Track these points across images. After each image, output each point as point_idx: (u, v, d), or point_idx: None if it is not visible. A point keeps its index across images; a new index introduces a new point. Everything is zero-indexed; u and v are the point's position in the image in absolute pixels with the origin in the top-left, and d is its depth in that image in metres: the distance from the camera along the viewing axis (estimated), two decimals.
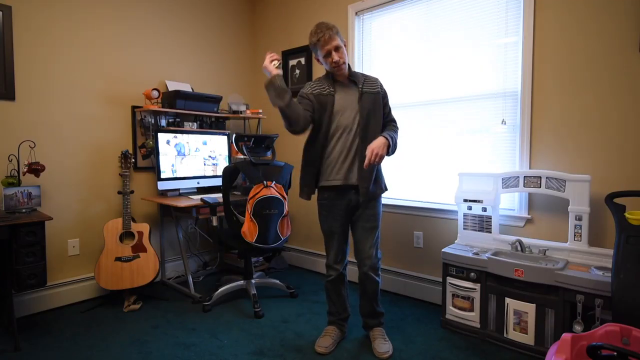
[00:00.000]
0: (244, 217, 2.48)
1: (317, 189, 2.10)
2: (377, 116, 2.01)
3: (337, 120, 1.98)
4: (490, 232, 2.34)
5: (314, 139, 2.04)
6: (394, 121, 2.13)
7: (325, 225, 2.10)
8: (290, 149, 3.61)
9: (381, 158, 1.83)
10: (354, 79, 2.03)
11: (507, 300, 2.09)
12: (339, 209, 2.04)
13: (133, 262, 2.66)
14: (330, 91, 2.00)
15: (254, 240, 2.44)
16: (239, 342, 2.19)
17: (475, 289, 2.21)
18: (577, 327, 1.89)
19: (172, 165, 2.96)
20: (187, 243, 3.37)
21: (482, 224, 2.37)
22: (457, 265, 2.27)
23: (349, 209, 2.05)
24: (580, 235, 2.05)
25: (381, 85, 2.07)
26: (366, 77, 2.06)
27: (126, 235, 2.72)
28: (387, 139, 1.87)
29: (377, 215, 2.07)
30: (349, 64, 2.04)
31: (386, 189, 2.11)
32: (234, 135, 2.68)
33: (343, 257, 2.12)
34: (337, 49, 1.93)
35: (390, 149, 1.92)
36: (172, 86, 3.16)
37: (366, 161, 1.81)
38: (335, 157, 2.00)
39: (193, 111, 3.08)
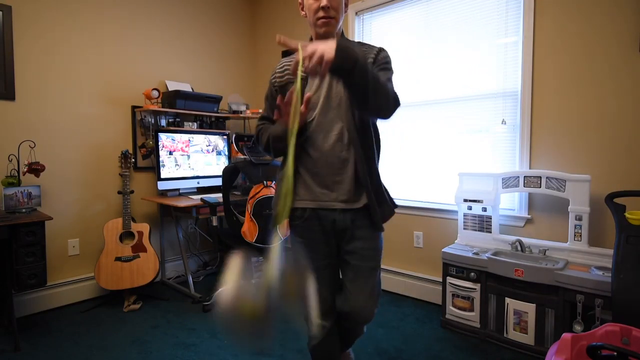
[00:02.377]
0: (244, 217, 2.48)
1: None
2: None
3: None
4: (490, 232, 2.34)
5: None
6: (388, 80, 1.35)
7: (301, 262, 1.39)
8: None
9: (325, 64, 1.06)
10: None
11: (507, 300, 2.09)
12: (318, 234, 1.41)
13: (133, 262, 2.66)
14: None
15: (254, 240, 2.44)
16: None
17: (475, 289, 2.21)
18: (577, 327, 1.89)
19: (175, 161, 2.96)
20: (187, 243, 3.37)
21: (482, 224, 2.37)
22: (457, 265, 2.27)
23: (334, 234, 1.40)
24: (580, 235, 2.05)
25: (378, 52, 1.37)
26: (363, 47, 1.39)
27: (126, 235, 2.72)
28: (350, 53, 1.09)
29: (376, 250, 1.41)
30: (342, 30, 1.41)
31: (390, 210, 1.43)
32: (234, 135, 2.68)
33: (332, 306, 1.44)
34: None
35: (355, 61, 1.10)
36: (172, 86, 3.16)
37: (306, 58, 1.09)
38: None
39: (193, 111, 3.08)
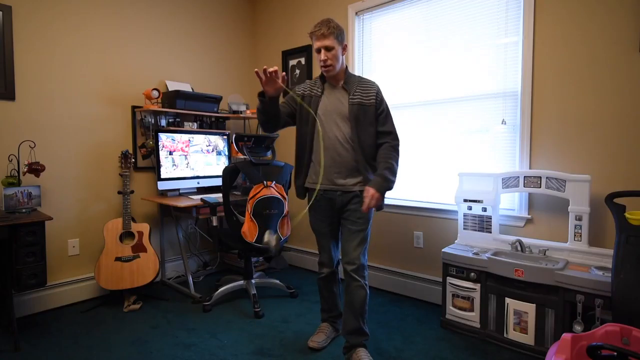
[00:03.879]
0: (244, 217, 2.48)
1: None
2: (367, 129, 1.89)
3: (319, 125, 1.92)
4: (490, 232, 2.34)
5: (298, 140, 2.02)
6: (391, 134, 1.93)
7: (314, 225, 2.08)
8: (291, 149, 3.61)
9: (378, 201, 1.77)
10: (345, 86, 1.93)
11: (507, 300, 2.09)
12: (324, 209, 2.00)
13: (133, 262, 2.66)
14: (317, 92, 1.96)
15: (254, 240, 2.44)
16: (239, 342, 2.19)
17: (475, 289, 2.21)
18: (577, 327, 1.89)
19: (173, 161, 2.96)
20: (187, 243, 3.37)
21: (482, 224, 2.37)
22: (457, 265, 2.27)
23: (335, 209, 1.99)
24: (580, 235, 2.05)
25: (377, 94, 1.93)
26: (361, 84, 1.94)
27: (126, 235, 2.72)
28: (384, 185, 1.81)
29: (364, 218, 1.95)
30: (346, 68, 1.97)
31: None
32: (234, 135, 2.68)
33: (334, 255, 2.12)
34: (328, 48, 1.84)
35: (389, 187, 1.84)
36: (172, 86, 3.16)
37: (364, 206, 1.76)
38: (318, 161, 1.95)
39: (193, 111, 3.08)
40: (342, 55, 1.92)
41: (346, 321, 1.97)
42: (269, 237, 2.14)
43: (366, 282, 1.94)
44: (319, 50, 1.87)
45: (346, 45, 1.93)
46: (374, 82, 1.97)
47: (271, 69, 1.67)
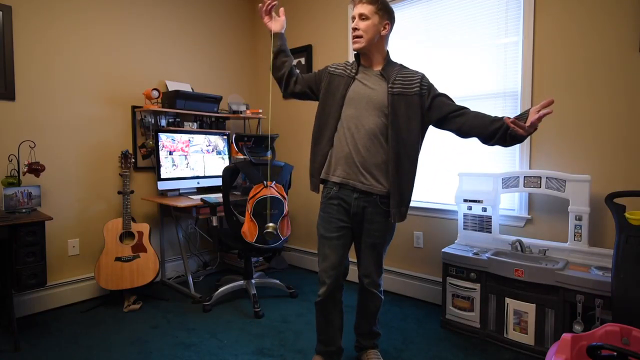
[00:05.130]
0: (244, 217, 2.48)
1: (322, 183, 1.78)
2: (408, 124, 1.62)
3: (346, 110, 1.67)
4: (490, 232, 2.34)
5: (317, 121, 1.75)
6: (463, 108, 1.65)
7: (320, 228, 1.76)
8: (291, 149, 3.61)
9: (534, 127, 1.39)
10: (383, 73, 1.66)
11: (507, 300, 2.09)
12: (337, 211, 1.71)
13: (133, 262, 2.66)
14: (350, 74, 1.71)
15: (254, 240, 2.44)
16: (239, 342, 2.19)
17: (475, 289, 2.21)
18: (577, 327, 1.89)
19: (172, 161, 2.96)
20: (187, 243, 3.37)
21: (482, 224, 2.37)
22: (457, 265, 2.27)
23: (349, 214, 1.70)
24: (580, 235, 2.05)
25: (422, 81, 1.65)
26: (402, 72, 1.67)
27: (126, 235, 2.72)
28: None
29: (386, 231, 1.73)
30: (387, 53, 1.71)
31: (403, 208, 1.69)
32: (234, 135, 2.68)
33: (338, 270, 1.72)
34: (362, 16, 1.61)
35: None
36: (172, 86, 3.16)
37: (535, 117, 1.36)
38: (340, 150, 1.67)
39: (193, 111, 3.08)
40: (382, 33, 1.65)
41: (358, 323, 1.92)
42: (268, 227, 1.93)
43: (382, 290, 1.85)
44: (353, 19, 1.65)
45: (388, 25, 1.66)
46: (418, 71, 1.69)
47: (271, 2, 1.70)
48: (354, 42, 1.65)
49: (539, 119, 1.35)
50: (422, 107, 1.65)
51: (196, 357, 2.03)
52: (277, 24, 1.77)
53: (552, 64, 2.20)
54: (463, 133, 1.63)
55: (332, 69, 1.76)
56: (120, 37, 2.93)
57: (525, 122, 1.39)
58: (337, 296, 1.75)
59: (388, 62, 1.70)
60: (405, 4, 2.80)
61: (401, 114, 1.61)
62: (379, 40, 1.66)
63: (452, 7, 2.59)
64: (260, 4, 1.77)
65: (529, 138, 2.28)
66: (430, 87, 1.67)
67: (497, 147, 2.45)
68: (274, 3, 1.73)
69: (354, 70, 1.71)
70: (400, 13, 2.85)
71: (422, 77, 1.66)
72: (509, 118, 1.43)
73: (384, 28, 1.64)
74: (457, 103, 1.69)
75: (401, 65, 1.72)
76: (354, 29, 1.63)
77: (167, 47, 3.22)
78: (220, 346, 2.14)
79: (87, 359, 2.01)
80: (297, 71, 1.84)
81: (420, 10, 2.75)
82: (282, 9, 1.78)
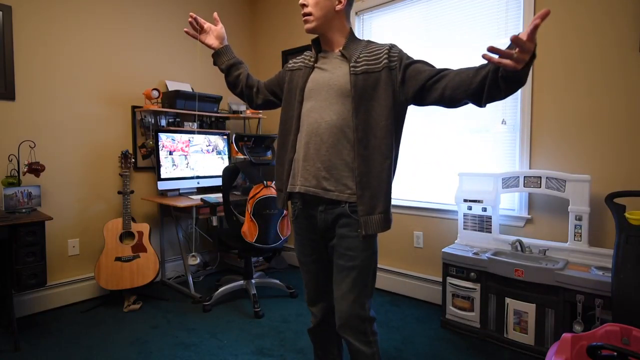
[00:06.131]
0: (244, 217, 2.48)
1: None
2: (379, 108, 1.26)
3: (305, 104, 1.36)
4: (490, 232, 2.34)
5: (281, 126, 1.46)
6: (443, 70, 1.25)
7: (296, 251, 1.50)
8: None
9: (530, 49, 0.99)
10: (344, 52, 1.33)
11: (507, 300, 2.09)
12: (305, 229, 1.42)
13: (133, 262, 2.66)
14: (308, 64, 1.40)
15: (254, 240, 2.44)
16: (239, 342, 2.19)
17: (475, 289, 2.21)
18: (577, 327, 1.89)
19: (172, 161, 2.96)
20: (187, 243, 3.37)
21: (482, 224, 2.37)
22: (457, 265, 2.27)
23: (318, 231, 1.38)
24: (580, 235, 2.05)
25: (390, 51, 1.28)
26: (369, 48, 1.32)
27: (126, 235, 2.72)
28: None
29: (359, 249, 1.29)
30: (350, 31, 1.38)
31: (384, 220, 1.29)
32: (234, 135, 2.68)
33: (324, 298, 1.48)
34: None
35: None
36: (172, 86, 3.16)
37: (527, 34, 0.96)
38: (301, 152, 1.35)
39: (193, 111, 3.08)
40: (337, 8, 1.33)
41: None
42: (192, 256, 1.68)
43: (370, 340, 1.32)
44: None
45: None
46: (387, 43, 1.33)
47: (193, 19, 1.46)
48: (304, 23, 1.35)
49: (535, 28, 0.94)
50: (394, 82, 1.27)
51: (196, 357, 2.03)
52: (213, 36, 1.51)
53: (552, 64, 2.20)
54: (448, 100, 1.23)
55: (291, 65, 1.48)
56: (120, 37, 2.93)
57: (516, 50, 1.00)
58: (331, 321, 1.48)
59: (351, 39, 1.36)
60: (406, 4, 2.80)
61: (368, 96, 1.26)
62: (336, 17, 1.34)
63: (452, 7, 2.59)
64: (185, 29, 1.53)
65: (528, 138, 2.28)
66: (402, 56, 1.28)
67: (497, 147, 2.45)
68: (194, 17, 1.48)
69: (312, 59, 1.40)
70: (400, 13, 2.85)
71: (391, 47, 1.29)
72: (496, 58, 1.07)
73: (339, 2, 1.32)
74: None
75: (368, 41, 1.37)
76: (302, 6, 1.33)
77: (167, 47, 3.22)
78: (220, 346, 2.14)
79: (87, 359, 2.01)
80: (256, 80, 1.57)
81: (420, 10, 2.75)
82: (215, 14, 1.51)
